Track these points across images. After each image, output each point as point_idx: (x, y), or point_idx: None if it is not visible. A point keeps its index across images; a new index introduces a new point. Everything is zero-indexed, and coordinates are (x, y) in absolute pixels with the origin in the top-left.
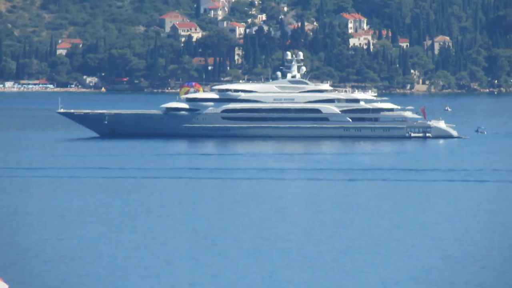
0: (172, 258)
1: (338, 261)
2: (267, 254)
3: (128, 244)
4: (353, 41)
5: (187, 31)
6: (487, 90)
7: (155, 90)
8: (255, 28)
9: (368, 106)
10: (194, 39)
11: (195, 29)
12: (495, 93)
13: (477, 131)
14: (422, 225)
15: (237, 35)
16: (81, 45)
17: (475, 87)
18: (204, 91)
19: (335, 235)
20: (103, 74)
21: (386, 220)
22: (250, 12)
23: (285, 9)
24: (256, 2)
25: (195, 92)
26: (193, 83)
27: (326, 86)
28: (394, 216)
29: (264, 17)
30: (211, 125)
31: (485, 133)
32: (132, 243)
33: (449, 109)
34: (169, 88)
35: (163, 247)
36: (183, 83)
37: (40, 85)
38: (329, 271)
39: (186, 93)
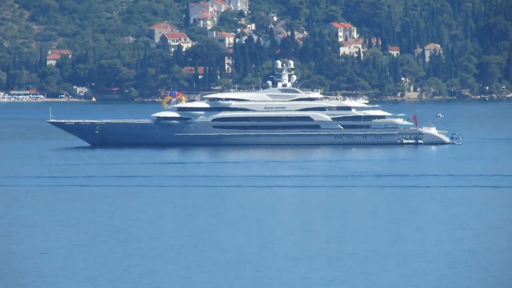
0: (161, 260)
1: (330, 268)
2: (257, 262)
3: (111, 254)
4: (343, 50)
5: (177, 41)
6: (478, 96)
7: (146, 100)
8: (245, 37)
9: (359, 113)
10: (183, 49)
11: (185, 39)
12: (486, 99)
13: (451, 137)
14: (417, 230)
15: (227, 45)
16: (70, 56)
17: (466, 93)
18: (187, 100)
19: (327, 242)
20: (93, 84)
21: (380, 226)
22: (239, 22)
23: (275, 18)
24: (245, 12)
25: (177, 101)
26: (176, 92)
27: (317, 94)
28: (388, 222)
29: (253, 26)
30: (202, 134)
31: (461, 139)
32: (115, 252)
33: (441, 115)
34: (159, 98)
35: (150, 252)
36: (166, 93)
37: (31, 96)
38: (322, 279)
39: (168, 102)
